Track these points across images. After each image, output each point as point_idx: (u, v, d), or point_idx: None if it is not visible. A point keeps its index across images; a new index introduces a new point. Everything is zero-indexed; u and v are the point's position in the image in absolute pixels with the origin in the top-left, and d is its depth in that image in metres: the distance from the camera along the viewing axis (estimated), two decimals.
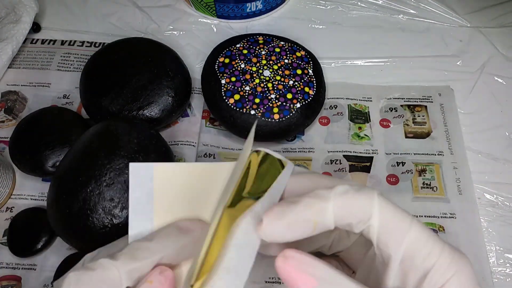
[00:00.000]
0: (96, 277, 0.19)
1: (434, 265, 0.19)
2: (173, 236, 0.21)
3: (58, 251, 0.36)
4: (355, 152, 0.41)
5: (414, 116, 0.43)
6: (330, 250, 0.24)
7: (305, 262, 0.18)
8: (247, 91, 0.39)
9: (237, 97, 0.39)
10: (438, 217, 0.38)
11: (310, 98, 0.40)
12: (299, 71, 0.41)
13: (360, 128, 0.43)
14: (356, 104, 0.44)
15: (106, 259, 0.19)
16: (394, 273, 0.20)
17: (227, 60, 0.41)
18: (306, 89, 0.40)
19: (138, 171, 0.24)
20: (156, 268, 0.20)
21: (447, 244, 0.20)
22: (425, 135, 0.42)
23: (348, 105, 0.44)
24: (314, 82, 0.41)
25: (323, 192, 0.20)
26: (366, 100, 0.44)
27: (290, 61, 0.41)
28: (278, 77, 0.40)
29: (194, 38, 0.49)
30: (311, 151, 0.41)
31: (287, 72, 0.40)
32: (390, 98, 0.44)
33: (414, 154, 0.41)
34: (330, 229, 0.20)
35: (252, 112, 0.38)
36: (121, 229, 0.32)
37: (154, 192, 0.24)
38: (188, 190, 0.24)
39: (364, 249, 0.23)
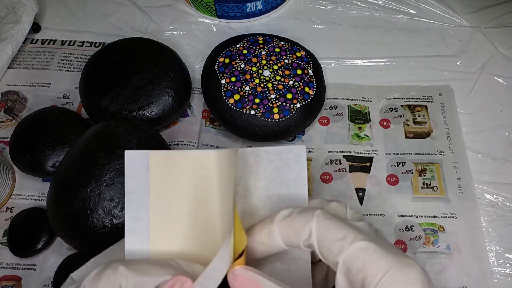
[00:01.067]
0: (112, 279, 0.20)
1: (368, 275, 0.20)
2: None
3: (58, 251, 0.36)
4: (355, 152, 0.41)
5: (414, 116, 0.43)
6: (315, 258, 0.25)
7: (250, 279, 0.21)
8: (247, 91, 0.39)
9: (237, 97, 0.39)
10: (439, 217, 0.38)
11: (310, 98, 0.40)
12: (299, 71, 0.41)
13: (360, 128, 0.43)
14: (356, 104, 0.44)
15: (124, 267, 0.20)
16: (341, 285, 0.21)
17: (227, 60, 0.41)
18: (306, 89, 0.40)
19: (133, 159, 0.23)
20: (176, 279, 0.20)
21: (390, 253, 0.20)
22: (425, 135, 0.42)
23: (348, 105, 0.44)
24: (314, 82, 0.41)
25: (271, 216, 0.23)
26: (366, 101, 0.44)
27: (290, 61, 0.41)
28: (278, 77, 0.40)
29: (194, 38, 0.49)
30: (311, 151, 0.41)
31: (287, 72, 0.40)
32: (390, 98, 0.44)
33: (414, 154, 0.41)
34: (283, 248, 0.23)
35: (252, 112, 0.38)
36: (121, 229, 0.32)
37: (150, 180, 0.24)
38: (183, 177, 0.24)
39: None
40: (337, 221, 0.22)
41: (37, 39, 0.49)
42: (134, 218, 0.23)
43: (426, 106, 0.44)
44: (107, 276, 0.20)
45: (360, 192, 0.39)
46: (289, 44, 0.42)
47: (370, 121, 0.43)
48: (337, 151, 0.41)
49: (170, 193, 0.24)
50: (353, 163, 0.41)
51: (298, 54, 0.42)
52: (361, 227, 0.22)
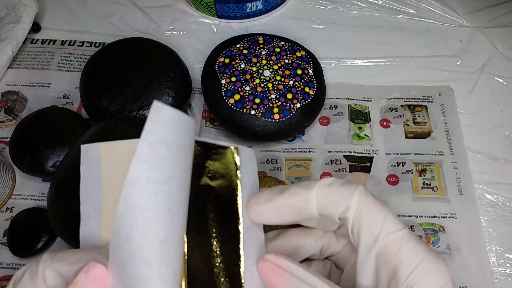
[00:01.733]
0: (34, 269, 0.20)
1: (402, 262, 0.20)
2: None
3: (58, 251, 0.36)
4: (355, 152, 0.41)
5: (415, 116, 0.43)
6: (321, 255, 0.25)
7: (282, 264, 0.20)
8: (247, 91, 0.39)
9: (237, 97, 0.39)
10: (439, 217, 0.38)
11: (310, 98, 0.40)
12: (299, 71, 0.41)
13: (360, 128, 0.43)
14: (356, 104, 0.44)
15: (48, 255, 0.20)
16: (365, 266, 0.21)
17: (227, 60, 0.41)
18: (306, 89, 0.40)
19: (87, 152, 0.23)
20: (86, 267, 0.19)
21: (423, 244, 0.20)
22: (425, 135, 0.42)
23: (348, 105, 0.44)
24: (314, 82, 0.41)
25: (310, 182, 0.22)
26: (366, 100, 0.44)
27: (290, 61, 0.41)
28: (278, 77, 0.40)
29: (194, 38, 0.49)
30: (311, 151, 0.41)
31: (287, 72, 0.40)
32: (390, 98, 0.44)
33: (414, 154, 0.41)
34: (314, 217, 0.22)
35: (252, 112, 0.38)
36: None
37: (101, 174, 0.23)
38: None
39: (353, 253, 0.24)
40: (377, 202, 0.21)
41: (37, 39, 0.49)
42: (86, 210, 0.23)
43: (426, 106, 0.44)
44: (30, 269, 0.20)
45: None
46: (289, 44, 0.42)
47: (370, 121, 0.43)
48: (337, 151, 0.41)
49: (120, 184, 0.23)
50: (353, 163, 0.41)
51: (298, 54, 0.42)
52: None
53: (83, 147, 0.23)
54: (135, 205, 0.17)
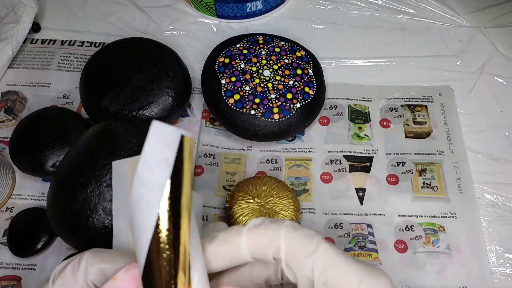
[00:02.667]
0: (76, 266, 0.21)
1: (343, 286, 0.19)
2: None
3: (58, 251, 0.36)
4: (355, 152, 0.41)
5: (414, 116, 0.43)
6: (278, 281, 0.24)
7: None
8: (247, 91, 0.39)
9: (237, 97, 0.39)
10: (439, 217, 0.38)
11: (310, 98, 0.40)
12: (299, 71, 0.41)
13: (360, 128, 0.43)
14: (356, 104, 0.44)
15: (90, 253, 0.21)
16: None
17: (227, 60, 0.41)
18: (306, 89, 0.40)
19: (117, 167, 0.24)
20: (128, 266, 0.20)
21: (359, 263, 0.20)
22: (425, 135, 0.42)
23: (348, 105, 0.44)
24: (314, 82, 0.41)
25: (239, 228, 0.22)
26: (366, 100, 0.44)
27: (290, 61, 0.41)
28: (278, 77, 0.40)
29: (194, 38, 0.49)
30: (311, 151, 0.41)
31: (287, 72, 0.40)
32: (390, 98, 0.44)
33: (414, 154, 0.41)
34: (248, 261, 0.22)
35: (252, 112, 0.38)
36: None
37: (129, 188, 0.23)
38: None
39: None
40: (306, 235, 0.21)
41: (37, 39, 0.49)
42: (117, 223, 0.25)
43: (426, 106, 0.44)
44: (73, 264, 0.21)
45: (360, 192, 0.39)
46: (289, 44, 0.42)
47: (370, 121, 0.43)
48: (337, 151, 0.41)
49: None
50: (353, 163, 0.41)
51: (298, 54, 0.42)
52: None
53: (114, 163, 0.24)
54: (139, 227, 0.17)
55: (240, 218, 0.36)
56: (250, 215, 0.35)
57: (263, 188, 0.37)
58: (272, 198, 0.36)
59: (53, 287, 0.20)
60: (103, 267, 0.21)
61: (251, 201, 0.36)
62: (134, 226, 0.18)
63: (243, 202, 0.36)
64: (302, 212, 0.38)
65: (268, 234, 0.21)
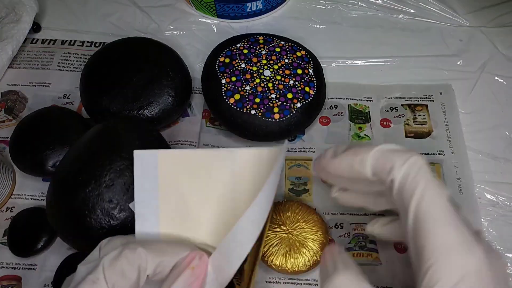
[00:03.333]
0: (131, 259, 0.22)
1: (428, 244, 0.21)
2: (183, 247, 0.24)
3: (58, 251, 0.36)
4: None
5: (415, 115, 0.43)
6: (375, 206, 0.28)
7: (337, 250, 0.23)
8: (247, 91, 0.39)
9: (237, 96, 0.39)
10: None
11: (311, 98, 0.40)
12: (299, 71, 0.41)
13: (360, 128, 0.43)
14: (357, 104, 0.44)
15: (143, 249, 0.22)
16: (406, 231, 0.22)
17: (227, 60, 0.41)
18: (307, 88, 0.40)
19: (142, 158, 0.25)
20: (195, 253, 0.22)
21: (461, 228, 0.21)
22: (425, 135, 0.42)
23: (348, 105, 0.44)
24: (315, 81, 0.41)
25: (370, 146, 0.24)
26: (367, 100, 0.44)
27: (290, 61, 0.41)
28: (278, 77, 0.40)
29: (194, 38, 0.49)
30: (312, 151, 0.41)
31: (287, 71, 0.40)
32: (391, 98, 0.44)
33: None
34: (368, 179, 0.24)
35: (253, 112, 0.38)
36: (118, 231, 0.31)
37: (159, 179, 0.25)
38: (192, 176, 0.25)
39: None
40: (429, 170, 0.22)
41: (37, 39, 0.49)
42: (142, 212, 0.25)
43: (426, 106, 0.44)
44: (126, 256, 0.21)
45: None
46: (290, 44, 0.42)
47: (370, 121, 0.43)
48: None
49: (180, 192, 0.25)
50: None
51: (298, 53, 0.42)
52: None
53: (137, 153, 0.25)
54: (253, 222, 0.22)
55: (270, 249, 0.34)
56: (280, 244, 0.34)
57: (287, 214, 0.35)
58: (298, 224, 0.35)
59: (105, 275, 0.21)
60: (161, 260, 0.22)
61: (278, 229, 0.34)
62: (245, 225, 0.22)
63: (270, 232, 0.34)
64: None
65: (394, 157, 0.23)
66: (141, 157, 0.25)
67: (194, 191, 0.25)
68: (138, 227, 0.25)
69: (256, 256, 0.25)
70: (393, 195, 0.23)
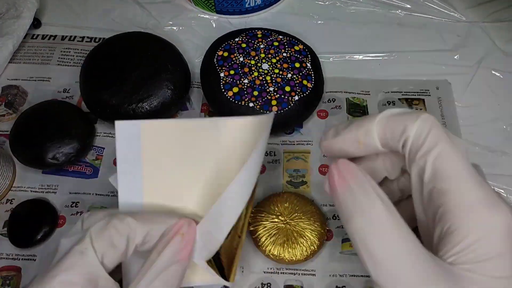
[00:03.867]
0: (120, 229, 0.21)
1: (450, 204, 0.19)
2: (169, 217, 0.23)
3: (57, 242, 0.36)
4: None
5: (412, 109, 0.43)
6: (395, 175, 0.24)
7: (351, 170, 0.20)
8: (245, 84, 0.40)
9: (235, 90, 0.39)
10: None
11: (309, 91, 0.40)
12: (297, 65, 0.41)
13: None
14: (354, 97, 0.44)
15: (131, 218, 0.21)
16: (417, 197, 0.20)
17: (226, 54, 0.41)
18: (305, 82, 0.40)
19: (124, 129, 0.24)
20: (183, 221, 0.22)
21: (482, 186, 0.19)
22: None
23: (346, 98, 0.44)
24: (313, 75, 0.41)
25: (372, 115, 0.21)
26: (364, 94, 0.44)
27: (288, 55, 0.41)
28: (276, 70, 0.40)
29: (194, 33, 0.50)
30: (309, 144, 0.41)
31: (285, 65, 0.41)
32: (388, 92, 0.45)
33: None
34: (379, 150, 0.22)
35: (251, 104, 0.39)
36: None
37: (142, 150, 0.24)
38: (177, 146, 0.25)
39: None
40: (440, 128, 0.20)
41: (38, 35, 0.50)
42: (125, 182, 0.24)
43: (423, 100, 0.44)
44: (114, 225, 0.21)
45: None
46: (288, 38, 0.43)
47: (368, 114, 0.43)
48: None
49: (164, 162, 0.24)
50: None
51: (296, 47, 0.42)
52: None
53: (118, 123, 0.24)
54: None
55: (268, 239, 0.34)
56: (278, 234, 0.34)
57: (285, 205, 0.36)
58: (296, 214, 0.35)
59: (93, 246, 0.20)
60: (149, 228, 0.22)
61: (276, 220, 0.35)
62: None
63: (267, 222, 0.35)
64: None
65: (400, 120, 0.20)
66: (123, 127, 0.24)
67: (178, 161, 0.25)
68: (121, 199, 0.24)
69: (243, 224, 0.25)
70: (407, 158, 0.21)
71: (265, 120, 0.24)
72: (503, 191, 0.39)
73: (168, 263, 0.21)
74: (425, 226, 0.21)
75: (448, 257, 0.18)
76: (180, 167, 0.25)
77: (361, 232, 0.18)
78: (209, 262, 0.23)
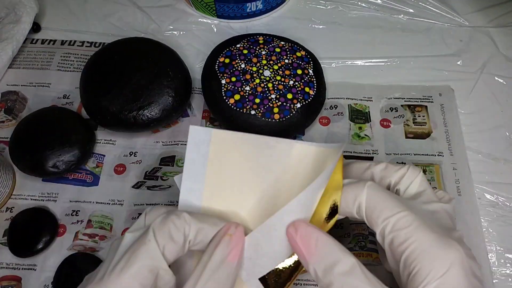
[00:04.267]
0: (178, 224, 0.23)
1: (408, 249, 0.23)
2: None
3: (58, 251, 0.36)
4: (355, 152, 0.41)
5: (415, 116, 0.43)
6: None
7: (311, 233, 0.23)
8: (247, 91, 0.39)
9: (237, 97, 0.39)
10: None
11: (311, 98, 0.40)
12: (299, 71, 0.41)
13: (360, 128, 0.43)
14: (357, 104, 0.44)
15: (187, 214, 0.23)
16: (385, 254, 0.24)
17: (227, 60, 0.41)
18: (307, 89, 0.40)
19: (197, 133, 0.26)
20: (231, 223, 0.23)
21: (433, 231, 0.23)
22: (425, 136, 0.42)
23: (348, 105, 0.44)
24: (315, 82, 0.41)
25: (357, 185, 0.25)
26: (367, 100, 0.44)
27: (290, 61, 0.41)
28: (278, 77, 0.40)
29: (194, 38, 0.49)
30: None
31: (287, 72, 0.40)
32: (391, 98, 0.44)
33: (414, 154, 0.41)
34: (339, 217, 0.25)
35: (253, 112, 0.38)
36: None
37: (209, 156, 0.26)
38: (242, 158, 0.27)
39: None
40: (386, 194, 0.24)
41: (37, 39, 0.49)
42: (189, 185, 0.26)
43: (426, 107, 0.44)
44: (172, 220, 0.23)
45: None
46: (290, 44, 0.42)
47: (370, 121, 0.43)
48: None
49: (225, 172, 0.26)
50: None
51: (298, 54, 0.42)
52: (412, 204, 0.24)
53: (192, 127, 0.26)
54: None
55: None
56: None
57: None
58: None
59: (156, 238, 0.22)
60: (202, 226, 0.23)
61: None
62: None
63: None
64: None
65: (350, 193, 0.25)
66: (195, 131, 0.26)
67: (240, 172, 0.26)
68: (182, 198, 0.26)
69: (295, 269, 0.25)
70: (367, 222, 0.25)
71: (335, 150, 0.25)
72: (505, 199, 0.39)
73: (218, 264, 0.22)
74: (398, 275, 0.24)
75: None
76: (241, 178, 0.26)
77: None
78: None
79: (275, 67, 0.40)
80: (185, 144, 0.41)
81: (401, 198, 0.25)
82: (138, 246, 0.22)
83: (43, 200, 0.39)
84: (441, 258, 0.22)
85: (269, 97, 0.39)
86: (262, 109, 0.39)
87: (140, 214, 0.37)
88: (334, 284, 0.21)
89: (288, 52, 0.42)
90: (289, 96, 0.39)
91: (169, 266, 0.23)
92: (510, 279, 0.36)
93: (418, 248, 0.22)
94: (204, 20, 0.50)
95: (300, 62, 0.41)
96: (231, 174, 0.26)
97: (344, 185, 0.25)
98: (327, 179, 0.24)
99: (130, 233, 0.24)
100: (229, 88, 0.39)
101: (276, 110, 0.39)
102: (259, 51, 0.41)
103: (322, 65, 0.43)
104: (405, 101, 0.44)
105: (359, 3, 0.51)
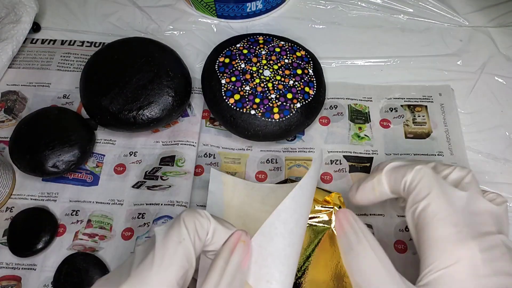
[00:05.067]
0: (201, 221, 0.24)
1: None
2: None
3: (58, 251, 0.36)
4: (355, 153, 0.41)
5: (414, 116, 0.43)
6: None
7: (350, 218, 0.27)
8: (247, 91, 0.39)
9: (237, 97, 0.39)
10: None
11: (310, 98, 0.40)
12: (299, 71, 0.41)
13: (360, 128, 0.43)
14: (356, 104, 0.44)
15: (204, 211, 0.25)
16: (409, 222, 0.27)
17: (227, 60, 0.41)
18: (306, 89, 0.40)
19: (215, 175, 0.36)
20: (241, 232, 0.25)
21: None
22: (425, 136, 0.42)
23: (348, 105, 0.44)
24: (314, 82, 0.41)
25: (382, 165, 0.29)
26: (366, 100, 0.44)
27: (290, 61, 0.41)
28: (278, 77, 0.40)
29: (194, 38, 0.49)
30: (311, 151, 0.41)
31: (287, 72, 0.40)
32: (390, 98, 0.44)
33: (414, 154, 0.41)
34: (389, 196, 0.29)
35: (252, 112, 0.38)
36: None
37: (223, 192, 0.35)
38: (245, 197, 0.35)
39: None
40: (431, 179, 0.26)
41: (37, 39, 0.49)
42: (212, 208, 0.35)
43: (426, 106, 0.44)
44: (197, 218, 0.24)
45: None
46: (289, 44, 0.42)
47: (370, 121, 0.43)
48: (337, 151, 0.41)
49: (238, 207, 0.35)
50: (353, 163, 0.41)
51: (298, 53, 0.42)
52: (453, 196, 0.26)
53: (213, 170, 0.37)
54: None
55: None
56: None
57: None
58: None
59: (190, 234, 0.23)
60: (218, 227, 0.24)
61: None
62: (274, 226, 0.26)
63: None
64: None
65: (402, 171, 0.27)
66: (215, 173, 0.36)
67: (250, 212, 0.33)
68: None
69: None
70: (406, 201, 0.27)
71: (316, 162, 0.28)
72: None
73: (235, 270, 0.23)
74: (418, 250, 0.26)
75: (418, 281, 0.24)
76: (250, 215, 0.33)
77: (351, 262, 0.25)
78: None
79: (275, 67, 0.40)
80: (185, 144, 0.41)
81: (447, 185, 0.27)
82: (174, 244, 0.23)
83: (43, 200, 0.39)
84: (449, 252, 0.23)
85: (269, 97, 0.39)
86: (262, 109, 0.39)
87: (140, 214, 0.38)
88: None
89: (288, 52, 0.42)
90: (289, 96, 0.39)
91: None
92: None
93: (432, 237, 0.24)
94: (204, 20, 0.50)
95: (300, 62, 0.41)
96: (244, 213, 0.34)
97: (395, 166, 0.29)
98: (318, 173, 0.27)
99: (159, 227, 0.24)
100: (229, 88, 0.39)
101: (276, 110, 0.39)
102: (259, 51, 0.41)
103: (322, 65, 0.43)
104: (405, 101, 0.44)
105: (359, 3, 0.51)
